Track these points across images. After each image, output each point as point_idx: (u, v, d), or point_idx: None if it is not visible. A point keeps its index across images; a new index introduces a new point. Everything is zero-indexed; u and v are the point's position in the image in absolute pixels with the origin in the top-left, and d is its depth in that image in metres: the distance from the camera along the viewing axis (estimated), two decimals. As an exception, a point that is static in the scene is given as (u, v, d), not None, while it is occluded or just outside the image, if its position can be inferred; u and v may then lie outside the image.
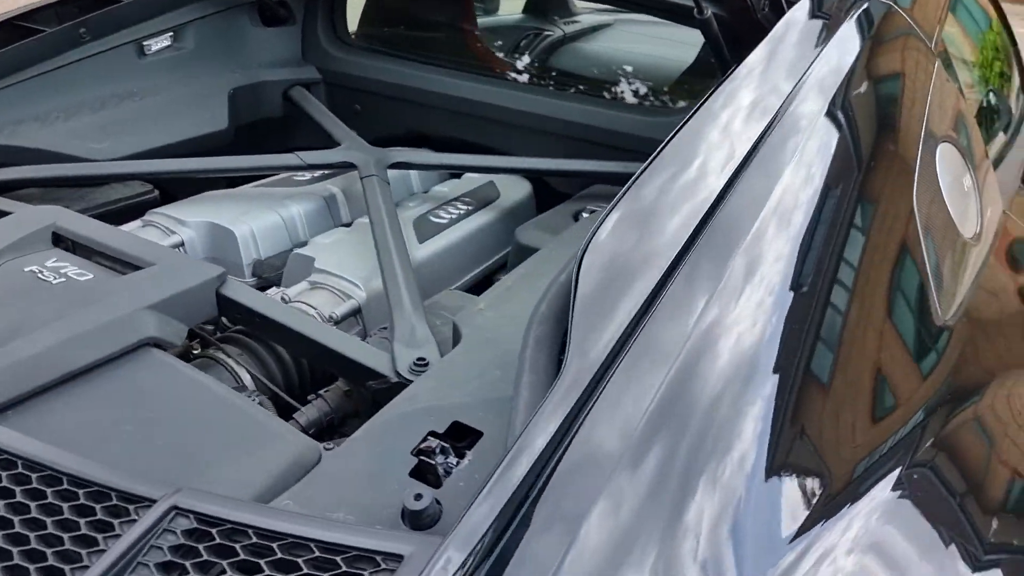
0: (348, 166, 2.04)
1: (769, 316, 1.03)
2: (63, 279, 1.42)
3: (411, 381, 1.28)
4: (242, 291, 1.46)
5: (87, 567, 0.83)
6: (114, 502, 0.89)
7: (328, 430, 1.42)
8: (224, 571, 0.83)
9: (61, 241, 1.55)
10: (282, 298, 1.66)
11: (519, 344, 1.24)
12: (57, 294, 1.36)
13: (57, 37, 2.07)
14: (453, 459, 1.04)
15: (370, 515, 0.97)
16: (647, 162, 1.22)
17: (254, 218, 1.93)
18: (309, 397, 1.44)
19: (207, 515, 0.86)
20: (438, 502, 0.96)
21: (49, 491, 0.91)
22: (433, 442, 1.05)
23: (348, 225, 2.09)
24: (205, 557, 0.84)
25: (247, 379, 1.46)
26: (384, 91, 2.55)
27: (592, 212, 2.01)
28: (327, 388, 1.45)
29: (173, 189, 2.15)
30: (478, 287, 1.97)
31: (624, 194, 1.18)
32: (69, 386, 1.20)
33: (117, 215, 1.99)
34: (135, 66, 2.26)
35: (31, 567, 0.84)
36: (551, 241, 1.73)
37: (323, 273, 1.73)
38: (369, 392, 1.33)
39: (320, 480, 1.02)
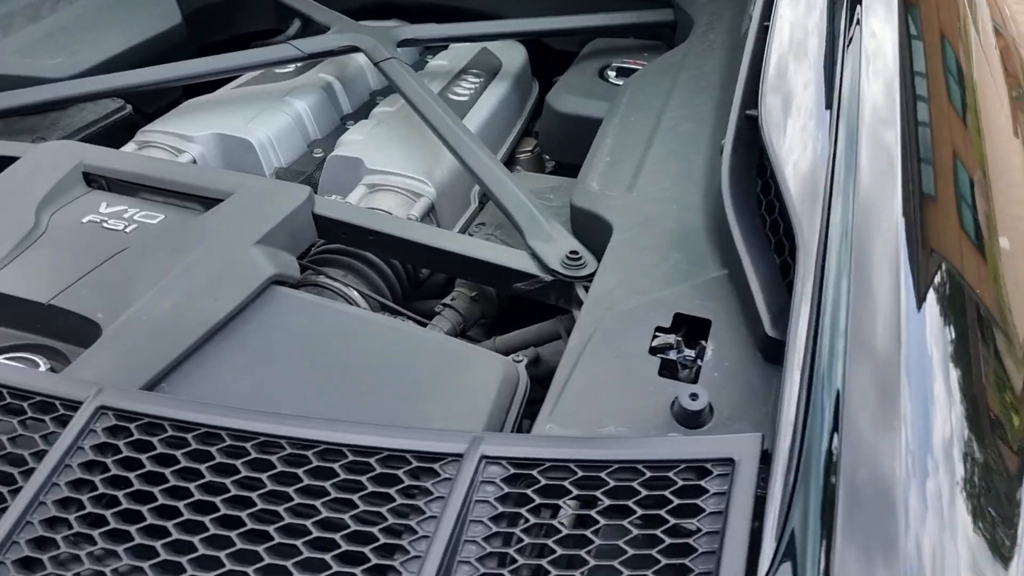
0: (352, 50, 1.84)
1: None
2: (135, 225, 1.24)
3: (568, 276, 1.21)
4: (339, 208, 1.32)
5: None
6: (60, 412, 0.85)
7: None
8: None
9: (93, 181, 1.34)
10: (345, 207, 1.52)
11: (678, 224, 1.20)
12: (144, 244, 1.19)
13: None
14: (689, 352, 1.01)
15: (638, 422, 0.94)
16: None
17: (264, 123, 1.73)
18: (436, 308, 1.35)
19: (128, 411, 0.83)
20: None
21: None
22: (668, 338, 1.01)
23: (350, 116, 1.92)
24: (125, 453, 0.81)
25: (360, 300, 1.34)
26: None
27: (620, 68, 1.92)
28: (452, 296, 1.37)
29: (141, 103, 1.88)
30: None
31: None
32: (216, 344, 1.06)
33: (97, 138, 1.73)
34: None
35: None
36: (614, 108, 1.64)
37: (379, 173, 1.59)
38: (518, 293, 1.26)
39: (572, 397, 0.97)
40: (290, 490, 0.79)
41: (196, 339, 1.05)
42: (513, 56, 2.10)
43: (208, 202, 1.29)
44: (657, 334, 1.02)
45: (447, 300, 1.36)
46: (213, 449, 0.82)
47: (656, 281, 1.11)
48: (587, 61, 2.01)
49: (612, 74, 1.92)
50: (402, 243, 1.29)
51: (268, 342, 1.08)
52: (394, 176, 1.58)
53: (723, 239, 1.11)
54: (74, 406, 0.85)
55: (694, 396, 0.92)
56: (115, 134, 1.80)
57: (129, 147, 1.67)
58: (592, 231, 1.28)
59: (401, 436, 0.82)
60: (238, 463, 0.81)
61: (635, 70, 1.90)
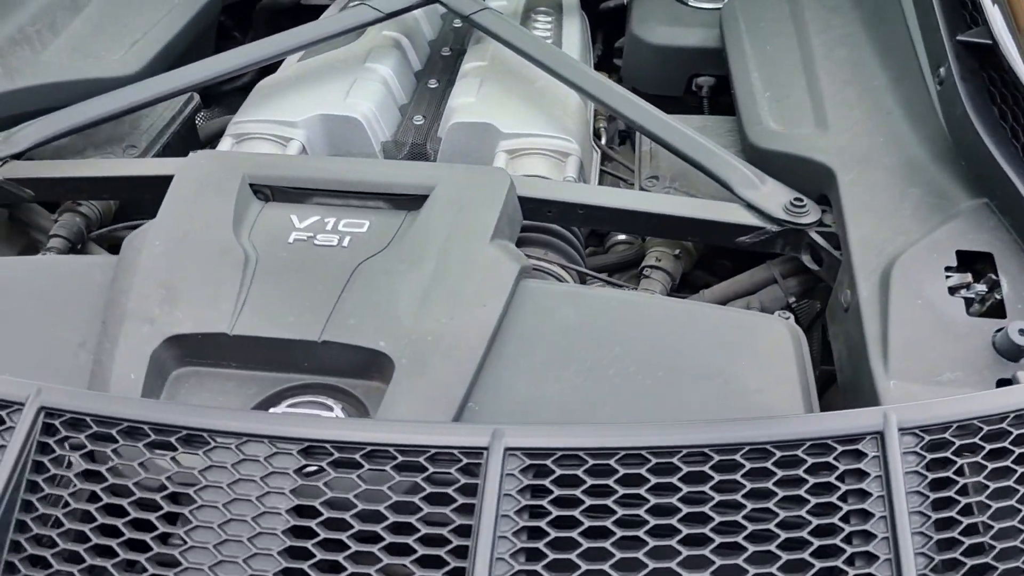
0: (430, 2, 1.72)
1: None
2: (347, 237, 1.15)
3: (798, 224, 1.21)
4: (542, 187, 1.27)
5: None
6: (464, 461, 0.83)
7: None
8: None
9: (259, 191, 1.24)
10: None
11: (899, 158, 1.21)
12: (375, 258, 1.11)
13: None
14: (980, 287, 1.04)
15: (968, 365, 0.97)
16: None
17: (361, 95, 1.61)
18: (644, 272, 1.33)
19: (535, 448, 0.82)
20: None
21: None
22: (963, 276, 1.04)
23: (422, 74, 1.82)
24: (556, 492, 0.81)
25: (566, 276, 1.31)
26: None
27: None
28: (656, 257, 1.34)
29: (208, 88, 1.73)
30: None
31: None
32: (500, 351, 1.02)
33: (179, 137, 1.59)
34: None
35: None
36: (732, 36, 1.60)
37: (517, 137, 1.52)
38: (741, 247, 1.25)
39: (899, 351, 0.98)
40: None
41: (483, 351, 1.01)
42: None
43: (399, 199, 1.21)
44: (948, 274, 1.04)
45: (652, 262, 1.34)
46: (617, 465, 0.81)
47: (911, 220, 1.12)
48: None
49: (691, -1, 1.88)
50: (614, 213, 1.25)
51: (549, 341, 1.05)
52: (535, 137, 1.51)
53: (968, 168, 1.13)
54: (477, 452, 0.81)
55: (1022, 330, 0.95)
56: (192, 128, 1.66)
57: (226, 142, 1.54)
58: (794, 173, 1.28)
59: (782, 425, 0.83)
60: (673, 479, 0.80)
61: (718, -8, 1.86)
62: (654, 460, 0.81)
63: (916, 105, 1.25)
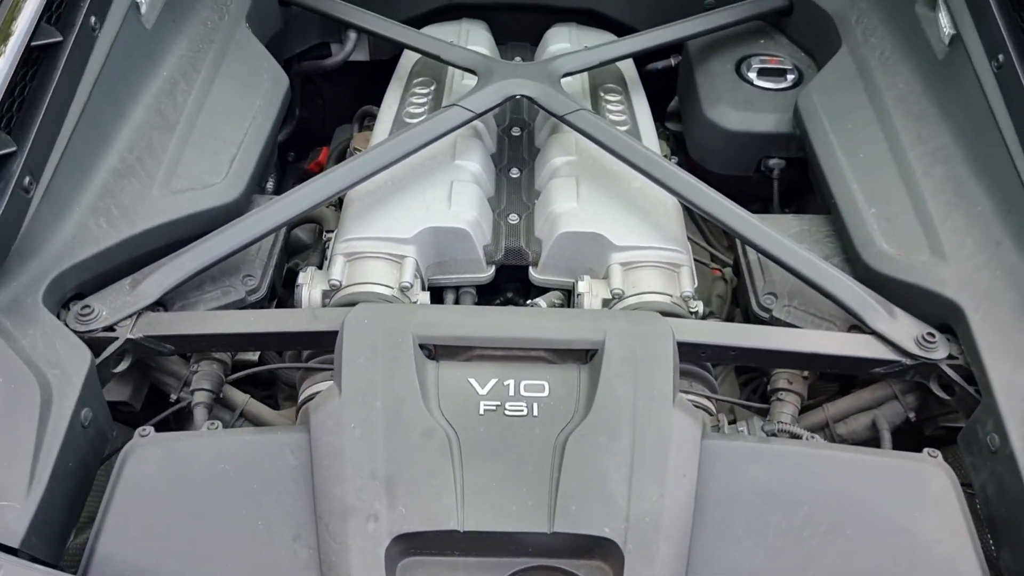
0: (527, 101, 1.74)
1: None
2: (534, 403, 1.20)
3: (931, 359, 1.31)
4: (697, 330, 1.33)
5: None
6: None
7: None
8: None
9: (424, 348, 1.27)
10: (615, 295, 1.51)
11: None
12: (571, 431, 1.16)
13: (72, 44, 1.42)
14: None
15: None
16: None
17: (463, 202, 1.63)
18: (780, 397, 1.42)
19: None
20: None
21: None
22: None
23: (497, 159, 1.83)
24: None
25: (711, 406, 1.39)
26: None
27: (762, 69, 1.94)
28: (787, 380, 1.43)
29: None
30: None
31: None
32: (704, 518, 1.11)
33: (282, 258, 1.59)
34: (143, 38, 1.62)
35: None
36: (817, 136, 1.67)
37: (631, 250, 1.56)
38: (874, 377, 1.36)
39: None
40: None
41: (691, 524, 1.09)
42: (625, 62, 2.04)
43: (565, 353, 1.26)
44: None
45: (784, 385, 1.43)
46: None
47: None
48: (707, 61, 1.99)
49: (753, 76, 1.93)
50: (765, 353, 1.33)
51: (744, 504, 1.13)
52: (648, 250, 1.56)
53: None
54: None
55: None
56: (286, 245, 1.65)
57: (338, 262, 1.54)
58: (914, 301, 1.38)
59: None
60: None
61: (780, 70, 1.93)
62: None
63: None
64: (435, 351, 1.27)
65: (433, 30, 2.12)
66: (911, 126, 1.60)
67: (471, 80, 1.93)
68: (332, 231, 1.77)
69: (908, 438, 1.46)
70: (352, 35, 2.14)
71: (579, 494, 1.09)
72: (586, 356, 1.28)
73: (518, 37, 2.21)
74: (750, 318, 1.52)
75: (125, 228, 1.39)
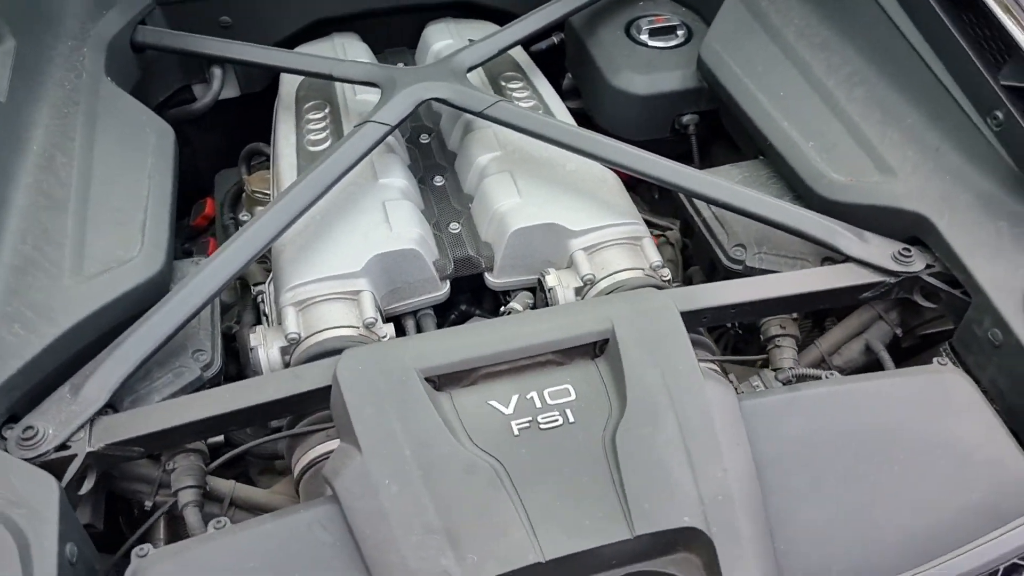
0: (427, 106, 1.65)
1: None
2: (567, 409, 1.12)
3: (912, 272, 1.34)
4: (692, 297, 1.29)
5: None
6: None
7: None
8: None
9: (431, 380, 1.17)
10: (586, 281, 1.46)
11: (973, 194, 1.37)
12: (613, 434, 1.09)
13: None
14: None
15: None
16: None
17: (401, 221, 1.53)
18: (777, 343, 1.41)
19: None
20: None
21: None
22: None
23: (413, 169, 1.74)
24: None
25: (718, 368, 1.36)
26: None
27: (653, 29, 1.93)
28: (781, 325, 1.43)
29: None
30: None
31: None
32: (773, 481, 1.08)
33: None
34: (2, 118, 1.40)
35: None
36: (734, 84, 1.68)
37: (590, 232, 1.51)
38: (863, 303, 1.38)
39: None
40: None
41: (759, 491, 1.06)
42: (515, 48, 1.98)
43: (571, 351, 1.20)
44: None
45: (777, 331, 1.42)
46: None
47: (1017, 252, 1.29)
48: (596, 32, 1.97)
49: (646, 37, 1.93)
50: (761, 304, 1.32)
51: (796, 458, 1.11)
52: (606, 229, 1.52)
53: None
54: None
55: None
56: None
57: (289, 313, 1.40)
58: (878, 221, 1.41)
59: None
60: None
61: (670, 28, 1.93)
62: None
63: (964, 141, 1.41)
64: (440, 381, 1.18)
65: (306, 49, 1.98)
66: (820, 57, 1.63)
67: (367, 94, 1.82)
68: (260, 283, 1.63)
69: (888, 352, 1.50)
70: (217, 71, 1.97)
71: (647, 490, 1.03)
72: (594, 349, 1.22)
73: (393, 43, 2.11)
74: (720, 274, 1.51)
75: (47, 330, 1.20)
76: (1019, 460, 1.13)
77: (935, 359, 1.28)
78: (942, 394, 1.20)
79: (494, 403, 1.14)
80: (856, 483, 1.10)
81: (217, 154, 2.11)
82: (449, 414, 1.13)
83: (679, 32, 1.94)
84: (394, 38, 2.11)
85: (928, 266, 1.36)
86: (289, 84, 1.90)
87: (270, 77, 2.05)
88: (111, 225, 1.37)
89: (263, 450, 1.42)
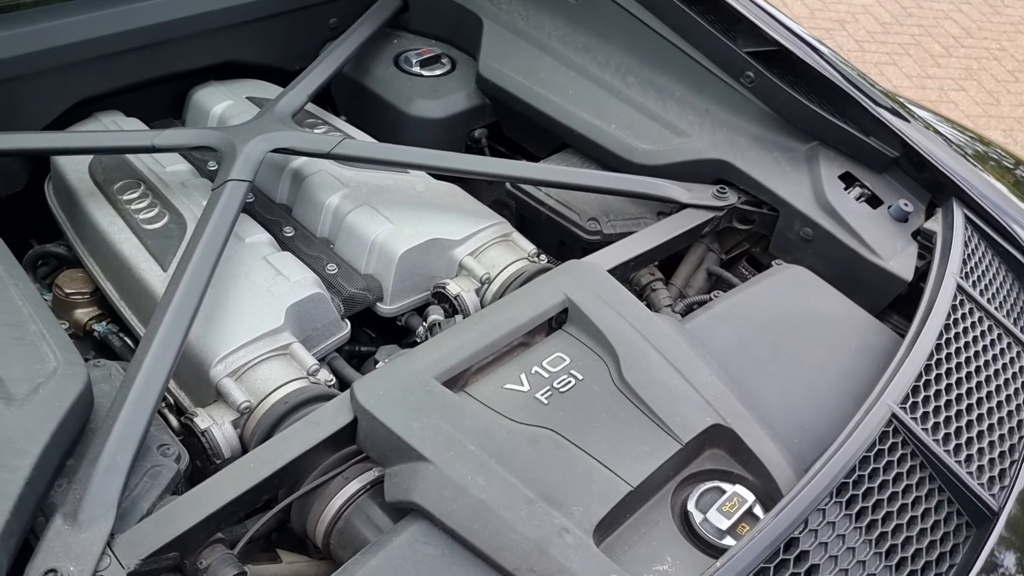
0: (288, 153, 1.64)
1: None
2: (571, 370, 1.27)
3: (732, 204, 1.70)
4: (603, 258, 1.50)
5: None
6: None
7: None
8: None
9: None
10: (484, 281, 1.60)
11: (768, 133, 1.78)
12: (623, 372, 1.26)
13: None
14: (860, 191, 1.69)
15: (898, 231, 1.63)
16: None
17: (292, 271, 1.52)
18: (653, 287, 1.67)
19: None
20: None
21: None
22: (856, 190, 1.68)
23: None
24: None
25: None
26: (5, 73, 1.69)
27: (423, 59, 2.09)
28: (651, 273, 1.69)
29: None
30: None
31: None
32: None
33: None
34: None
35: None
36: (523, 88, 1.92)
37: (469, 239, 1.63)
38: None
39: (872, 237, 1.60)
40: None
41: (734, 384, 1.31)
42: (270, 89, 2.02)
43: (537, 329, 1.34)
44: (847, 190, 1.67)
45: (649, 278, 1.67)
46: None
47: (794, 170, 1.70)
48: (369, 72, 2.08)
49: (419, 69, 2.08)
50: (644, 256, 1.58)
51: (743, 354, 1.38)
52: (480, 232, 1.65)
53: (798, 128, 1.75)
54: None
55: (905, 203, 1.65)
56: None
57: (228, 384, 1.34)
58: (687, 173, 1.74)
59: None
60: None
61: (435, 58, 2.11)
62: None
63: (725, 100, 1.80)
64: (449, 387, 1.24)
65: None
66: (588, 57, 1.94)
67: (175, 165, 1.74)
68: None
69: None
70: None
71: (671, 408, 1.22)
72: (550, 324, 1.37)
73: (157, 115, 2.01)
74: (578, 253, 1.74)
75: (18, 463, 1.03)
76: (863, 312, 1.52)
77: (773, 262, 1.65)
78: (798, 282, 1.56)
79: (510, 386, 1.25)
80: (783, 360, 1.40)
81: None
82: (482, 406, 1.20)
83: (444, 60, 2.13)
84: (157, 110, 2.00)
85: (739, 197, 1.72)
86: (74, 172, 1.73)
87: (30, 173, 1.83)
88: (10, 344, 1.19)
89: (236, 537, 1.32)
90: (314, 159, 1.73)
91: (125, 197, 1.67)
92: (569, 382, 1.26)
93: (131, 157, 1.74)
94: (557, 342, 1.33)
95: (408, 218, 1.66)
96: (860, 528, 1.06)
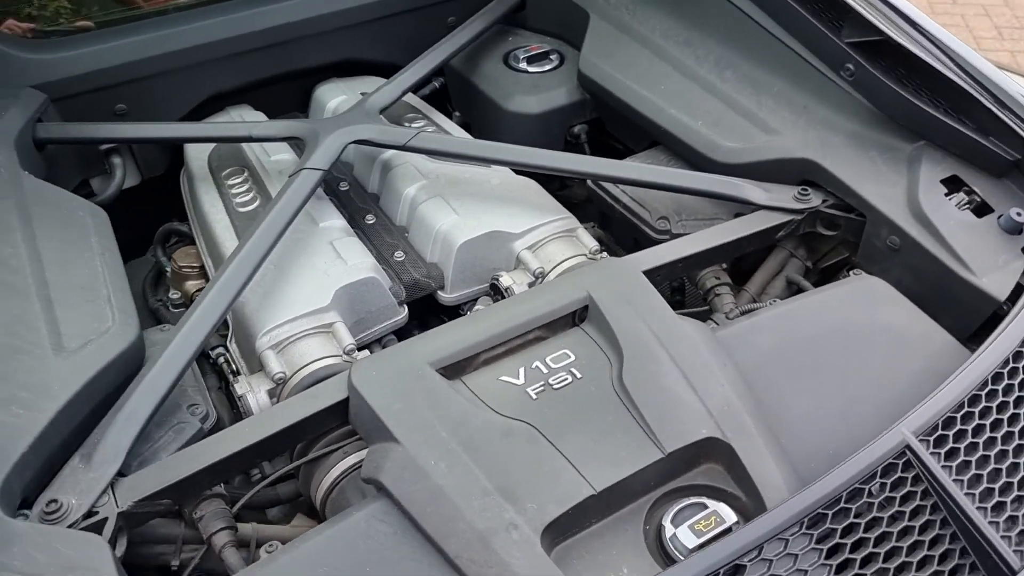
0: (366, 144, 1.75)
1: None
2: (571, 367, 1.24)
3: (813, 207, 1.56)
4: (647, 258, 1.44)
5: None
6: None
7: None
8: None
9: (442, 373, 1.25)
10: (537, 274, 1.59)
11: (858, 126, 1.62)
12: (625, 374, 1.21)
13: None
14: (965, 196, 1.49)
15: (1006, 242, 1.42)
16: None
17: (353, 255, 1.60)
18: (717, 292, 1.58)
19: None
20: None
21: None
22: (958, 196, 1.48)
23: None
24: None
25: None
26: (147, 70, 1.94)
27: (530, 56, 2.12)
28: (716, 276, 1.60)
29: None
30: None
31: None
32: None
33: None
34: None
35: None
36: (617, 85, 1.89)
37: (530, 232, 1.63)
38: (778, 241, 1.58)
39: (969, 252, 1.40)
40: None
41: (752, 398, 1.21)
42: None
43: (556, 323, 1.31)
44: (948, 196, 1.47)
45: (714, 282, 1.58)
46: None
47: (891, 172, 1.53)
48: (478, 69, 2.14)
49: (525, 65, 2.11)
50: (702, 256, 1.49)
51: (774, 366, 1.27)
52: (544, 226, 1.65)
53: (901, 125, 1.57)
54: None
55: (1018, 212, 1.42)
56: None
57: (269, 356, 1.44)
58: (771, 172, 1.62)
59: None
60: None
61: (543, 54, 2.12)
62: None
63: (825, 95, 1.65)
64: (447, 372, 1.25)
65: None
66: (687, 52, 1.87)
67: (280, 154, 1.89)
68: (216, 347, 1.63)
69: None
70: (117, 160, 1.97)
71: (664, 415, 1.16)
72: (573, 318, 1.34)
73: (284, 109, 2.19)
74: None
75: (47, 405, 1.18)
76: (940, 332, 1.34)
77: (850, 272, 1.50)
78: (869, 294, 1.41)
79: (505, 378, 1.24)
80: (825, 375, 1.27)
81: (129, 246, 2.09)
82: (469, 396, 1.21)
83: (552, 57, 2.14)
84: (284, 105, 2.18)
85: (824, 200, 1.58)
86: (197, 159, 1.94)
87: (169, 159, 2.06)
88: (78, 303, 1.36)
89: (260, 500, 1.42)
90: (405, 152, 1.80)
91: (229, 182, 1.84)
92: (566, 379, 1.23)
93: (244, 147, 1.92)
94: (570, 338, 1.30)
95: (475, 210, 1.69)
96: (829, 566, 0.95)
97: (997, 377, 1.13)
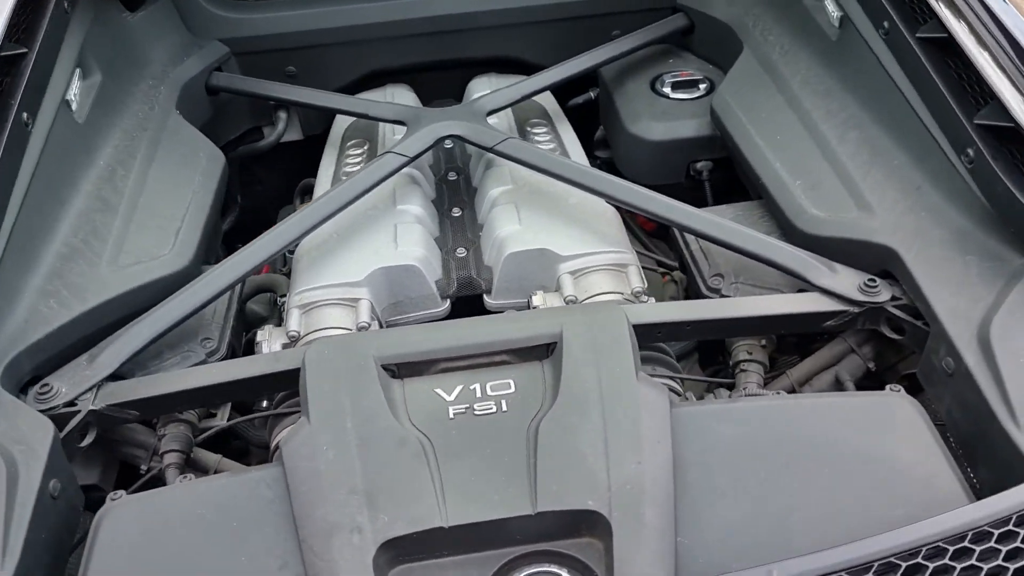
0: (460, 147, 1.81)
1: None
2: (503, 400, 1.21)
3: (877, 303, 1.36)
4: (649, 312, 1.37)
5: None
6: None
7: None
8: None
9: (388, 369, 1.28)
10: (568, 301, 1.54)
11: (948, 230, 1.38)
12: (544, 418, 1.16)
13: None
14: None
15: None
16: None
17: (409, 241, 1.67)
18: (743, 368, 1.45)
19: None
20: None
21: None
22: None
23: (437, 203, 1.88)
24: None
25: (678, 387, 1.41)
26: (319, 40, 2.15)
27: (676, 82, 2.04)
28: (748, 351, 1.46)
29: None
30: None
31: None
32: (682, 480, 1.11)
33: (239, 320, 1.60)
34: (77, 132, 1.66)
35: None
36: (734, 127, 1.77)
37: (578, 258, 1.60)
38: (827, 331, 1.39)
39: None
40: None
41: (674, 486, 1.09)
42: (545, 96, 2.14)
43: (525, 352, 1.28)
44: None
45: (744, 356, 1.46)
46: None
47: (981, 286, 1.29)
48: (623, 84, 2.10)
49: (668, 90, 2.03)
50: (718, 323, 1.37)
51: (722, 461, 1.14)
52: (593, 255, 1.60)
53: (1016, 232, 1.31)
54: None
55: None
56: (242, 308, 1.67)
57: (293, 315, 1.56)
58: (851, 254, 1.43)
59: None
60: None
61: (692, 82, 2.03)
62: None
63: (943, 180, 1.43)
64: (399, 371, 1.29)
65: (362, 96, 2.20)
66: (820, 103, 1.69)
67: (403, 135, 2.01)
68: (286, 296, 1.80)
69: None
70: (282, 115, 2.21)
71: (558, 473, 1.10)
72: (547, 351, 1.30)
73: (441, 95, 2.30)
74: None
75: (76, 306, 1.40)
76: (951, 480, 1.12)
77: (888, 386, 1.29)
78: (883, 414, 1.21)
79: (439, 391, 1.24)
80: (777, 489, 1.12)
81: (282, 192, 2.34)
82: (396, 397, 1.23)
83: (701, 86, 2.03)
84: (442, 90, 2.30)
85: (894, 298, 1.37)
86: (339, 126, 2.12)
87: (327, 121, 2.27)
88: (151, 228, 1.58)
89: (262, 440, 1.56)
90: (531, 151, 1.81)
91: (348, 152, 1.99)
92: (491, 409, 1.20)
93: (379, 124, 2.05)
94: (523, 371, 1.27)
95: (538, 224, 1.68)
96: None
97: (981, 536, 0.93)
